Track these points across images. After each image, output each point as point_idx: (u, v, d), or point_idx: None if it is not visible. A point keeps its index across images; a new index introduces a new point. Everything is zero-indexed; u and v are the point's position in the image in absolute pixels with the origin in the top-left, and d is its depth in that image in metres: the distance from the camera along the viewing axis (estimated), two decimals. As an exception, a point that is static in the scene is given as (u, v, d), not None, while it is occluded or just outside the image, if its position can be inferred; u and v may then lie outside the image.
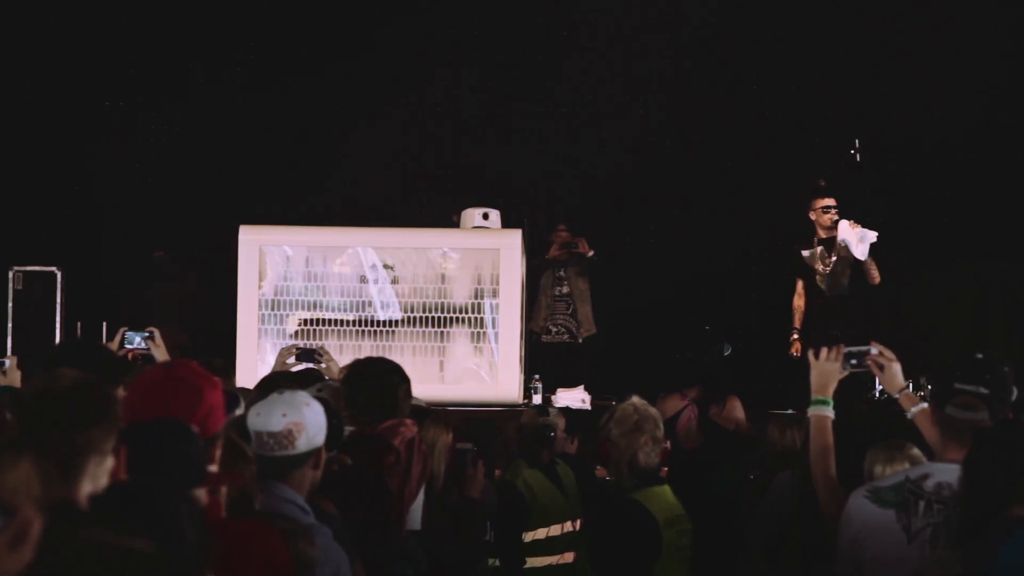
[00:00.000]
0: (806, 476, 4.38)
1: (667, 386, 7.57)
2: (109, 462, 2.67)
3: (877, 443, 4.55)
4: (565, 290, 11.04)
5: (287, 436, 3.80)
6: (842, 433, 4.24)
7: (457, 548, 5.23)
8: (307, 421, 3.84)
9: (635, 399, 5.15)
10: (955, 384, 3.75)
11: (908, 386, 4.23)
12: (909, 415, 4.12)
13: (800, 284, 10.04)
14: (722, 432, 7.25)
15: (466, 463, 5.36)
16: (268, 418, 3.82)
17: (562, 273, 11.02)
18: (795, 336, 9.97)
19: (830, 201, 9.89)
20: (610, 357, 11.09)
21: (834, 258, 9.87)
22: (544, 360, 10.52)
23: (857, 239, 9.65)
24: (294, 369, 6.30)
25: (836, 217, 9.85)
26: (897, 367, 4.22)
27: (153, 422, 2.94)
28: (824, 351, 4.25)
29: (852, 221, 9.74)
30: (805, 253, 9.99)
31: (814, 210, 9.96)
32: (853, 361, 4.24)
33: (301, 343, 8.01)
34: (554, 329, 11.05)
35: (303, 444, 3.81)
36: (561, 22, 12.06)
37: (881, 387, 9.89)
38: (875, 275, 9.77)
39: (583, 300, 11.03)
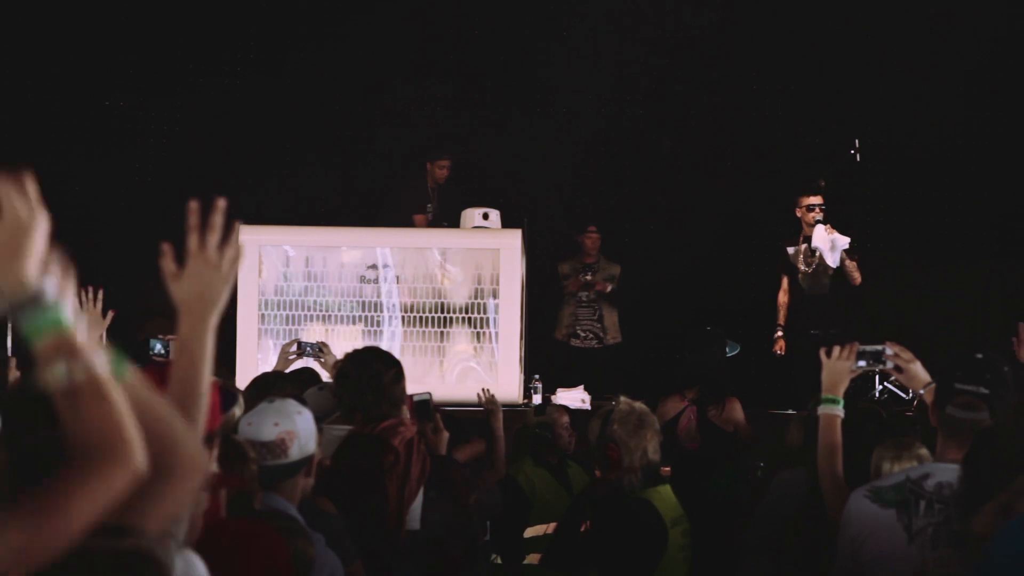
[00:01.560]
0: (812, 474, 4.38)
1: (666, 387, 7.57)
2: None
3: (884, 442, 4.53)
4: (590, 296, 10.95)
5: (280, 445, 3.78)
6: (845, 432, 4.23)
7: (453, 537, 5.17)
8: (299, 429, 3.82)
9: (624, 399, 5.14)
10: (955, 384, 3.75)
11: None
12: None
13: (785, 280, 10.04)
14: (720, 433, 7.26)
15: (424, 417, 5.11)
16: (260, 427, 3.80)
17: (589, 278, 10.93)
18: (779, 333, 9.98)
19: (815, 199, 9.86)
20: (610, 357, 11.07)
21: (816, 258, 9.86)
22: (544, 360, 10.49)
23: (829, 246, 9.65)
24: (292, 367, 6.30)
25: (819, 216, 9.82)
26: (917, 365, 4.20)
27: None
28: (836, 349, 4.24)
29: (828, 226, 9.72)
30: (790, 250, 9.99)
31: (800, 207, 9.95)
32: (861, 362, 4.23)
33: (303, 338, 8.01)
34: (582, 334, 10.95)
35: (295, 453, 3.80)
36: (562, 20, 12.06)
37: (882, 387, 9.95)
38: (856, 276, 9.76)
39: (609, 307, 10.94)
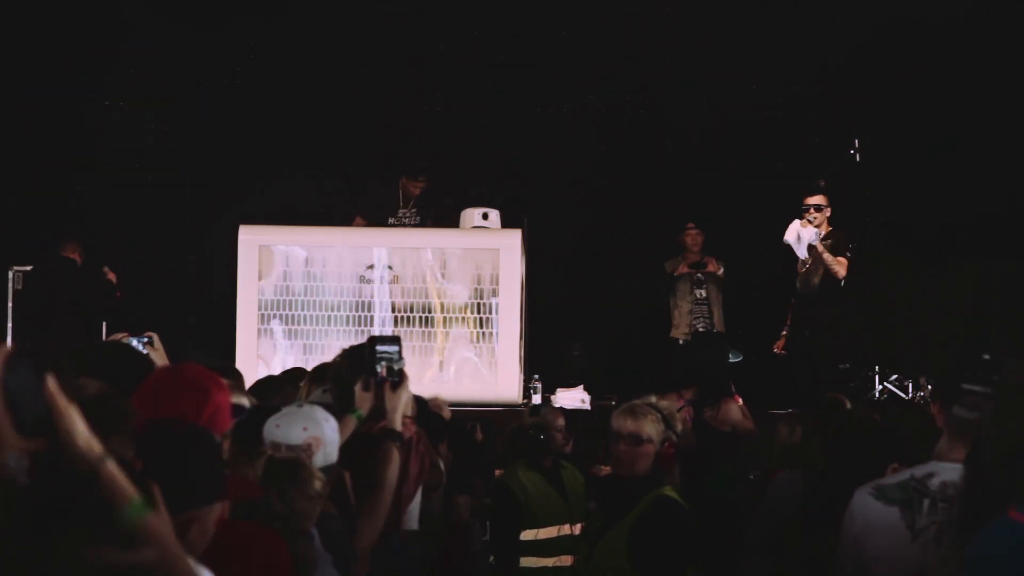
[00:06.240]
0: (810, 474, 4.37)
1: (664, 387, 7.56)
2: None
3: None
4: (703, 294, 10.92)
5: (306, 450, 3.84)
6: (843, 438, 4.22)
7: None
8: (326, 437, 3.88)
9: (656, 398, 5.12)
10: (962, 385, 3.74)
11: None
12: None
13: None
14: (716, 433, 7.25)
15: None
16: (289, 430, 3.85)
17: (700, 276, 10.89)
18: (783, 332, 10.04)
19: (816, 200, 9.88)
20: (609, 357, 11.07)
21: (808, 258, 9.88)
22: (544, 360, 10.49)
23: (795, 238, 9.70)
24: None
25: (811, 216, 9.83)
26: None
27: (177, 433, 2.91)
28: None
29: (803, 220, 9.75)
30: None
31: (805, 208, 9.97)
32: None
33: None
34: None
35: (320, 460, 3.85)
36: (564, 20, 12.07)
37: (882, 387, 9.95)
38: (836, 270, 9.75)
39: (718, 304, 10.91)
